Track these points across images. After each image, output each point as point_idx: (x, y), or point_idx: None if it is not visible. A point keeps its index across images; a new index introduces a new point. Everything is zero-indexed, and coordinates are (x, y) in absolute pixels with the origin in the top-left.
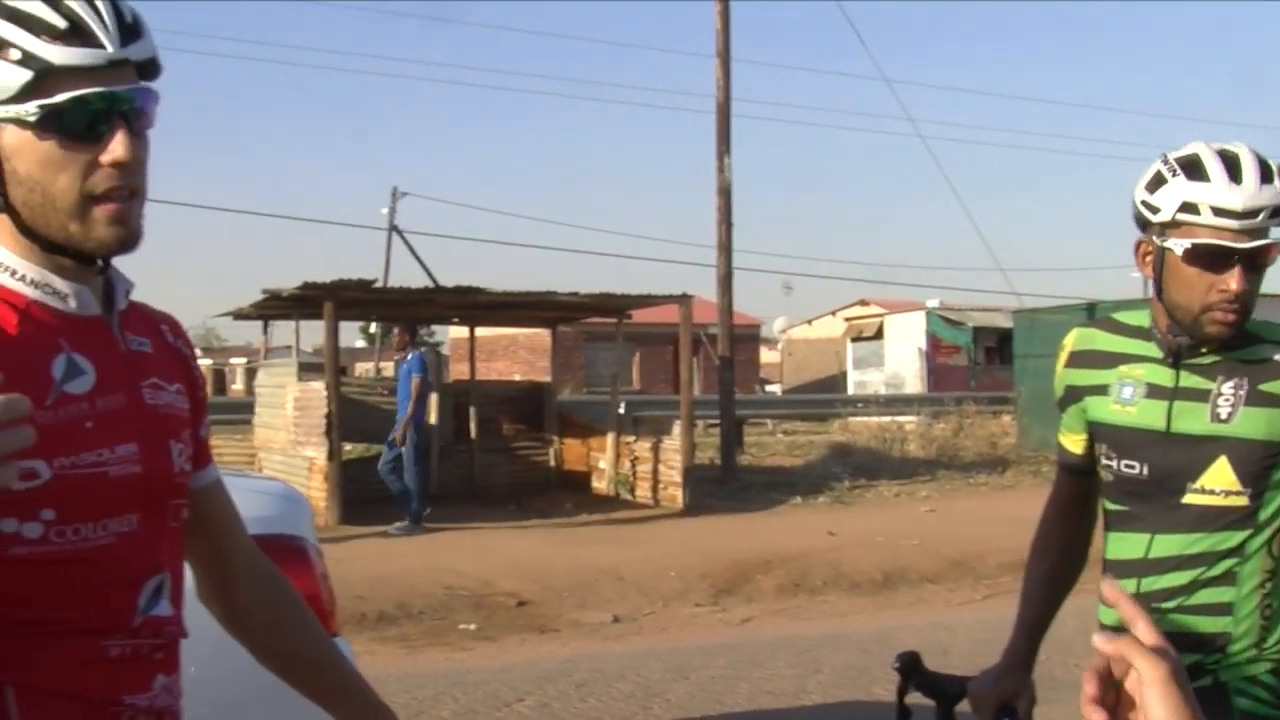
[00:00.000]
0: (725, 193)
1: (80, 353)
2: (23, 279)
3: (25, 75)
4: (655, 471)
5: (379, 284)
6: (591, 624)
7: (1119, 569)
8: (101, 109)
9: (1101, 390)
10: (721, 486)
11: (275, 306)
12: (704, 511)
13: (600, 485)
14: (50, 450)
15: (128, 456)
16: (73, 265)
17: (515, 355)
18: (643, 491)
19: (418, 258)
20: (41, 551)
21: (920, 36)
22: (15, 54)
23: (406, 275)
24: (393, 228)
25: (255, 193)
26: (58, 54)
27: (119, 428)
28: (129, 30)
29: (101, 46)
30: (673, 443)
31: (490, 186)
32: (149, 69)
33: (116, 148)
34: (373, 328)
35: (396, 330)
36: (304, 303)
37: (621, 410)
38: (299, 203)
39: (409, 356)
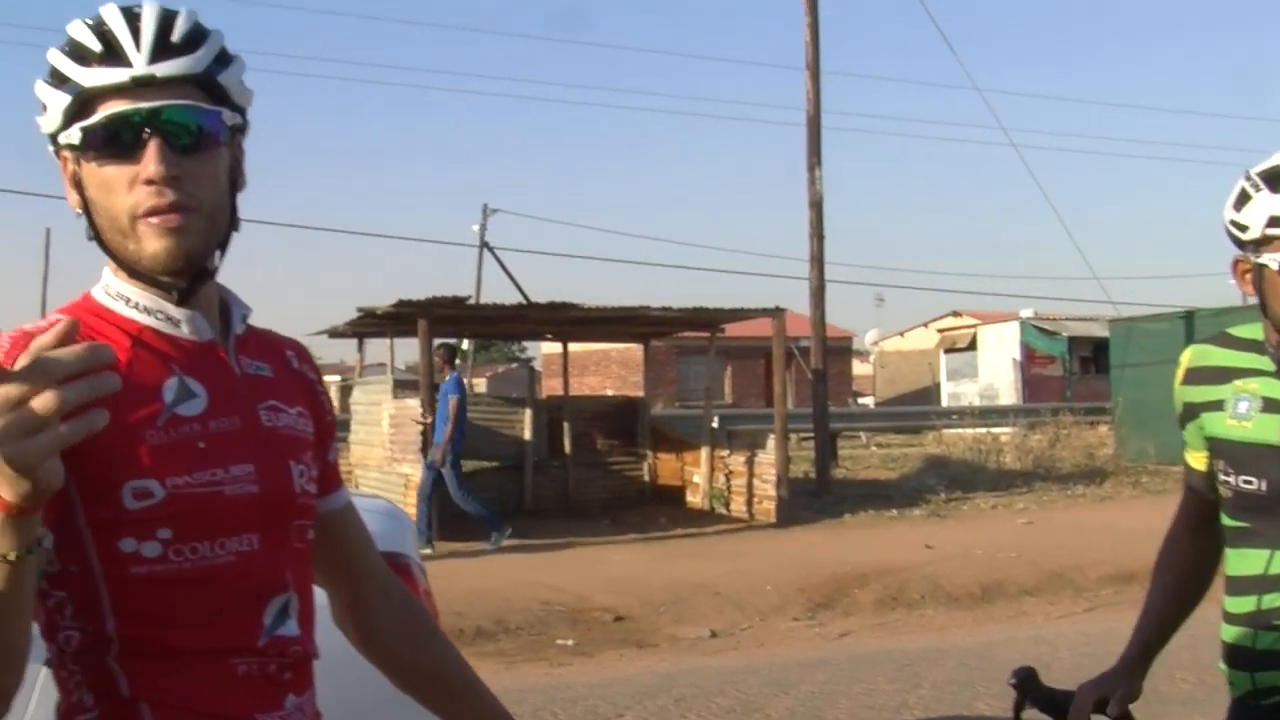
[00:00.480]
0: (816, 205)
1: (193, 376)
2: (136, 306)
3: (65, 100)
4: (750, 485)
5: (472, 301)
6: (689, 639)
7: (1238, 585)
8: (131, 127)
9: (1217, 406)
10: (816, 500)
11: (370, 324)
12: (799, 525)
13: (694, 499)
14: (163, 470)
15: (243, 476)
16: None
17: (607, 370)
18: (737, 505)
19: (509, 274)
20: (161, 570)
21: (1012, 44)
22: (65, 83)
23: (498, 291)
24: (484, 244)
25: (349, 210)
26: (88, 76)
27: (234, 448)
28: (168, 48)
29: (128, 65)
30: (767, 456)
31: (581, 202)
32: (214, 87)
33: (148, 164)
34: (465, 344)
35: (437, 352)
36: (398, 320)
37: (715, 424)
38: (391, 220)
39: (447, 378)
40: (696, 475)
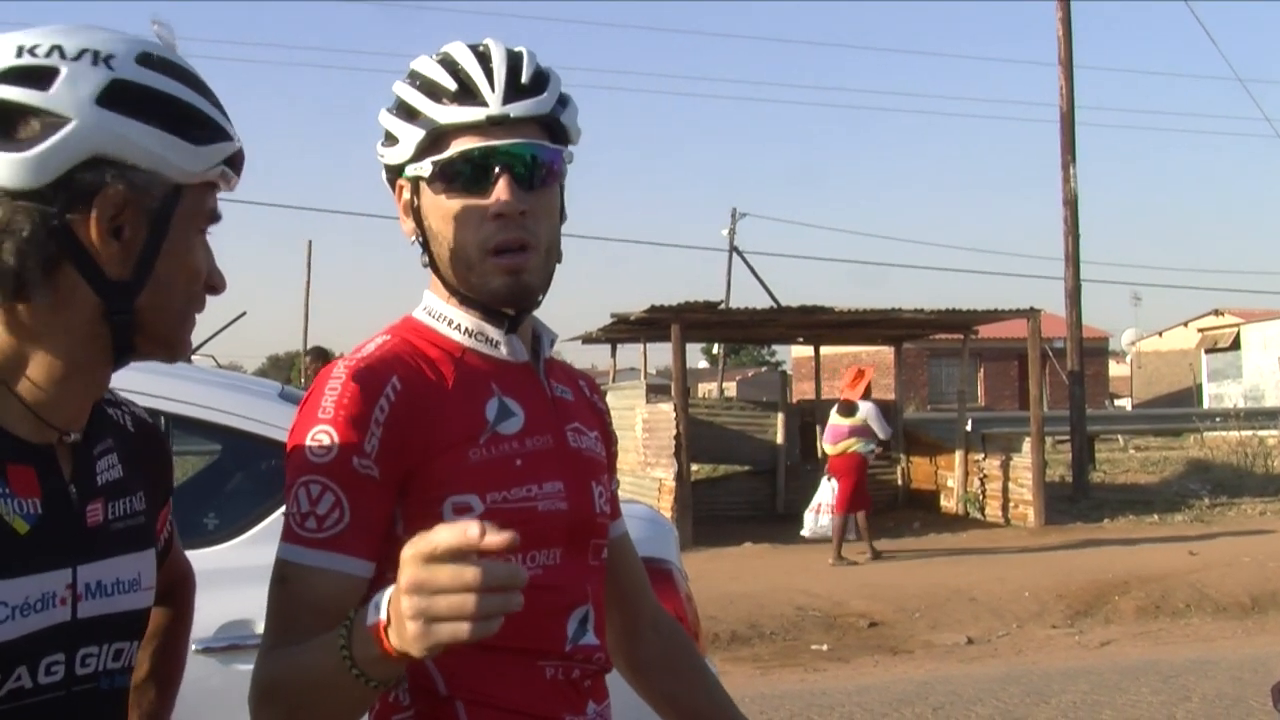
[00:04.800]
0: (1071, 203)
1: (511, 396)
2: (458, 328)
3: (419, 135)
4: (1005, 489)
5: (722, 305)
6: (945, 645)
7: None
8: (483, 163)
9: None
10: (1073, 504)
11: (623, 330)
12: (1056, 530)
13: (949, 504)
14: (483, 485)
15: (554, 494)
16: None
17: None
18: (993, 510)
19: (758, 277)
20: None
21: (1275, 32)
22: (416, 117)
23: (747, 295)
24: (733, 248)
25: (600, 218)
26: (444, 114)
27: (547, 466)
28: (519, 89)
29: (484, 105)
30: (1023, 460)
31: (830, 205)
32: (555, 126)
33: (498, 198)
34: (715, 348)
35: None
36: (650, 325)
37: (969, 427)
38: (641, 226)
39: None
40: (950, 479)
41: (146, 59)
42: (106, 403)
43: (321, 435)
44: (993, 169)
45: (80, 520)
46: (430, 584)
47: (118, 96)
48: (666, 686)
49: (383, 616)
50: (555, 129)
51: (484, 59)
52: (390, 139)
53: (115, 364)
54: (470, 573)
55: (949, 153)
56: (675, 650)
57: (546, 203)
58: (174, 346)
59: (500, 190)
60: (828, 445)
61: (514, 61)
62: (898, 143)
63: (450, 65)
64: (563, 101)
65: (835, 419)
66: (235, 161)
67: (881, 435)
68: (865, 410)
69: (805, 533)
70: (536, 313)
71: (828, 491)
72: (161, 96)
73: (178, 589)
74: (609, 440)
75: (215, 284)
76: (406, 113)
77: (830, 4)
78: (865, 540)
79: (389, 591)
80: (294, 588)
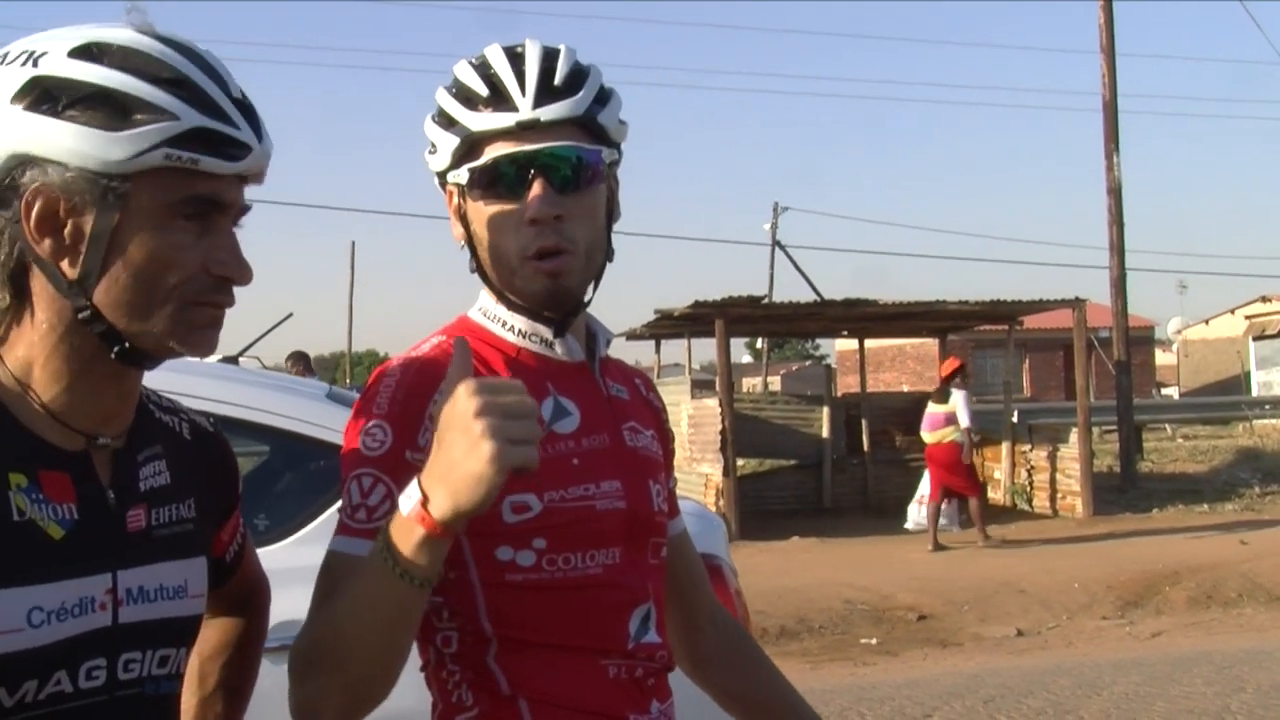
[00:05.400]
0: (1115, 192)
1: (566, 395)
2: (511, 329)
3: (455, 142)
4: (1052, 480)
5: (766, 299)
6: (994, 638)
7: None
8: (517, 169)
9: None
10: (1122, 495)
11: (667, 326)
12: (1105, 521)
13: (996, 495)
14: (540, 485)
15: (612, 492)
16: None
17: (903, 366)
18: (1040, 501)
19: (801, 271)
20: (535, 579)
21: None
22: (452, 125)
23: (790, 289)
24: (775, 242)
25: (642, 215)
26: (477, 120)
27: (604, 465)
28: (551, 91)
29: (514, 109)
30: (1070, 450)
31: (871, 197)
32: (593, 126)
33: (532, 204)
34: (759, 343)
35: None
36: (694, 321)
37: (1015, 418)
38: (683, 221)
39: None
40: (997, 471)
41: (84, 51)
42: (161, 409)
43: (375, 429)
44: (1035, 159)
45: (120, 525)
46: (500, 407)
47: (33, 94)
48: (729, 680)
49: (419, 495)
50: (594, 129)
51: (517, 61)
52: (432, 147)
53: (128, 363)
54: (530, 401)
55: (991, 143)
56: (736, 644)
57: (587, 205)
58: (161, 341)
59: (535, 195)
60: (925, 434)
61: (548, 62)
62: (939, 134)
63: (484, 70)
64: (601, 100)
65: (931, 407)
66: (192, 140)
67: (962, 423)
68: (956, 397)
69: (909, 525)
70: (592, 310)
71: (927, 483)
72: (81, 87)
73: (250, 600)
74: (666, 438)
75: (226, 274)
76: (445, 120)
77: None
78: (978, 527)
79: (416, 479)
80: (339, 573)
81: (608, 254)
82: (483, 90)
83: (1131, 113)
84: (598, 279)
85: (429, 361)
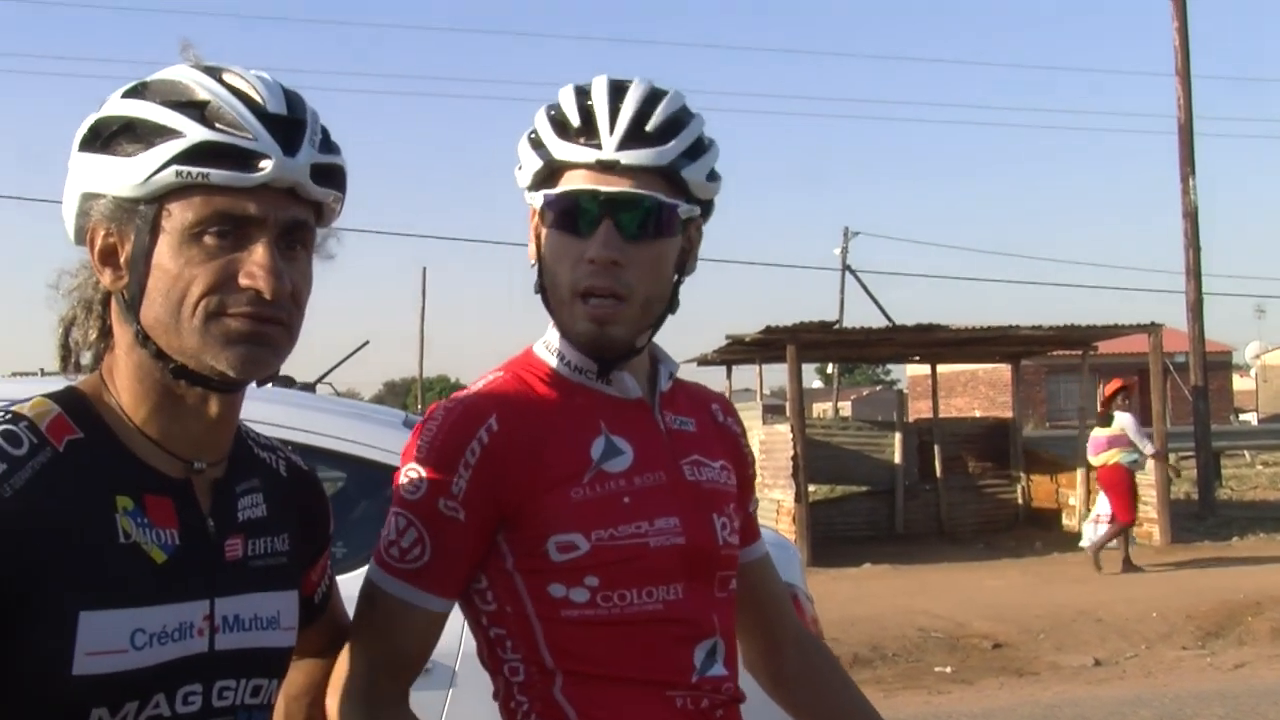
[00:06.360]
0: (1191, 216)
1: (619, 434)
2: (568, 364)
3: (538, 165)
4: None
5: (837, 324)
6: (1071, 667)
7: None
8: (587, 205)
9: None
10: (1200, 522)
11: (738, 351)
12: (1183, 549)
13: (1071, 522)
14: (588, 524)
15: (668, 529)
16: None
17: (975, 391)
18: None
19: (872, 296)
20: (591, 614)
21: None
22: (539, 147)
23: (860, 314)
24: (846, 267)
25: (712, 239)
26: (560, 149)
27: (659, 502)
28: (640, 136)
29: (598, 147)
30: (1146, 478)
31: (941, 222)
32: (679, 181)
33: (594, 244)
34: (829, 368)
35: None
36: (765, 346)
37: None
38: (753, 247)
39: None
40: (1072, 497)
41: (132, 90)
42: (260, 446)
43: (411, 473)
44: (1109, 182)
45: (218, 553)
46: None
47: (88, 135)
48: (813, 703)
49: None
50: (676, 181)
51: (617, 97)
52: (520, 164)
53: (191, 384)
54: None
55: (1067, 167)
56: (819, 667)
57: (653, 254)
58: (199, 357)
59: (599, 236)
60: (1091, 457)
61: (647, 105)
62: (1013, 159)
63: (582, 99)
64: (692, 153)
65: (1095, 431)
66: (201, 155)
67: (1143, 450)
68: (1122, 421)
69: (1085, 544)
70: (661, 336)
71: (1105, 503)
72: (116, 122)
73: (336, 643)
74: (743, 463)
75: (253, 285)
76: (534, 141)
77: (940, 21)
78: (1122, 550)
79: None
80: (375, 616)
81: (671, 305)
82: (575, 120)
83: (1207, 135)
84: (657, 326)
85: (473, 404)
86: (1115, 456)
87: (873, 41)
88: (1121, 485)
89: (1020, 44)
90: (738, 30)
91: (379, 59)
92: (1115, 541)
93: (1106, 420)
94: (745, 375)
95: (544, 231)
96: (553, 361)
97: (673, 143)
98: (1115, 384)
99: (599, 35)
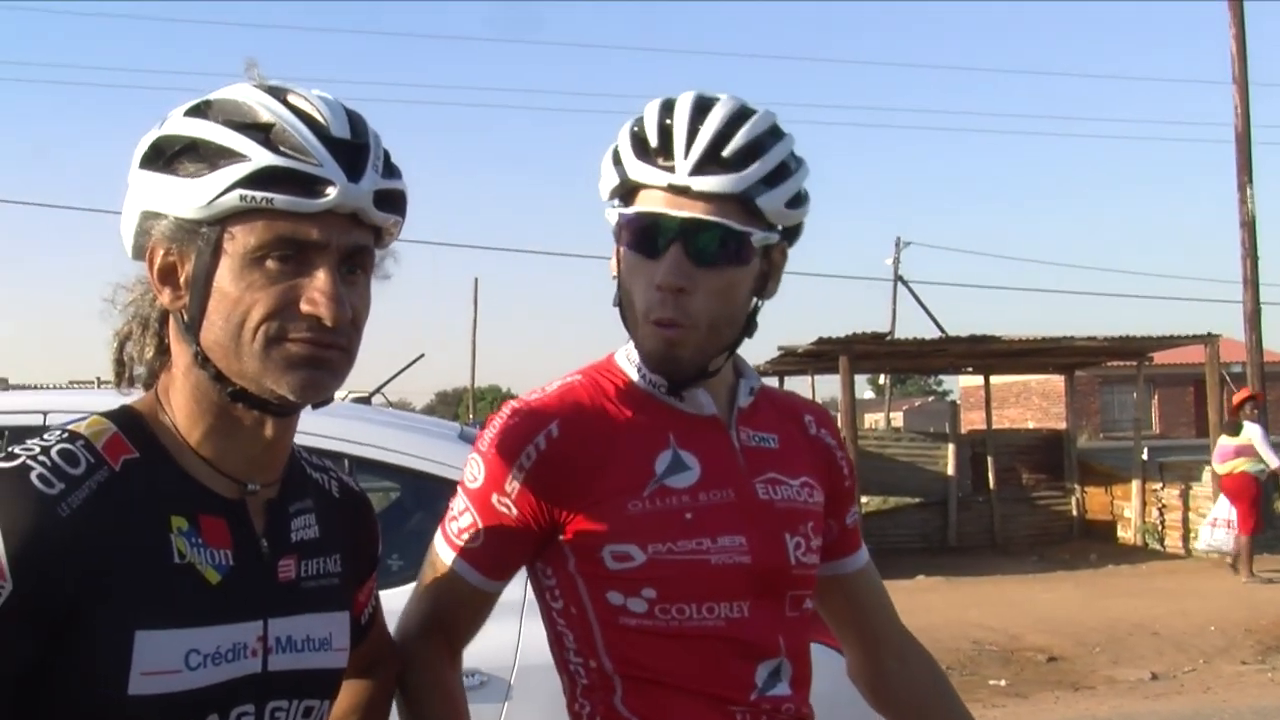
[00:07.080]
0: (1249, 225)
1: (689, 448)
2: (644, 377)
3: (615, 182)
4: (1185, 520)
5: (889, 336)
6: (1128, 681)
7: None
8: (656, 228)
9: None
10: (1261, 535)
11: (791, 362)
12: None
13: (1126, 534)
14: (644, 537)
15: (733, 547)
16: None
17: (1028, 402)
18: (1172, 541)
19: (924, 307)
20: (649, 625)
21: None
22: (618, 164)
23: (911, 325)
24: (898, 277)
25: None
26: (635, 169)
27: (724, 520)
28: (717, 160)
29: (671, 170)
30: (1203, 489)
31: (993, 232)
32: (753, 207)
33: (660, 270)
34: (881, 379)
35: None
36: (818, 357)
37: (1145, 456)
38: (804, 257)
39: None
40: (1127, 509)
41: (195, 109)
42: (312, 466)
43: (474, 464)
44: (1165, 191)
45: (272, 574)
46: None
47: (149, 153)
48: (914, 714)
49: None
50: (751, 208)
51: (697, 117)
52: (601, 177)
53: (249, 406)
54: None
55: (1122, 176)
56: (923, 678)
57: (722, 280)
58: (259, 381)
59: (667, 261)
60: (1216, 465)
61: (728, 127)
62: (1067, 167)
63: (664, 117)
64: (772, 180)
65: (1222, 439)
66: (266, 180)
67: (1271, 463)
68: (1250, 431)
69: (1200, 546)
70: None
71: (1224, 507)
72: (179, 141)
73: (380, 667)
74: (837, 475)
75: (314, 312)
76: (615, 157)
77: (993, 30)
78: (1245, 562)
79: None
80: (433, 574)
81: (747, 329)
82: (654, 140)
83: (1266, 144)
84: (733, 349)
85: (538, 408)
86: (1241, 465)
87: (919, 51)
88: (1246, 494)
89: (1079, 53)
90: (773, 40)
91: (424, 70)
92: (1231, 548)
93: (1235, 429)
94: (798, 386)
95: (621, 249)
96: (632, 373)
97: (750, 169)
98: (1244, 393)
99: (685, 48)
